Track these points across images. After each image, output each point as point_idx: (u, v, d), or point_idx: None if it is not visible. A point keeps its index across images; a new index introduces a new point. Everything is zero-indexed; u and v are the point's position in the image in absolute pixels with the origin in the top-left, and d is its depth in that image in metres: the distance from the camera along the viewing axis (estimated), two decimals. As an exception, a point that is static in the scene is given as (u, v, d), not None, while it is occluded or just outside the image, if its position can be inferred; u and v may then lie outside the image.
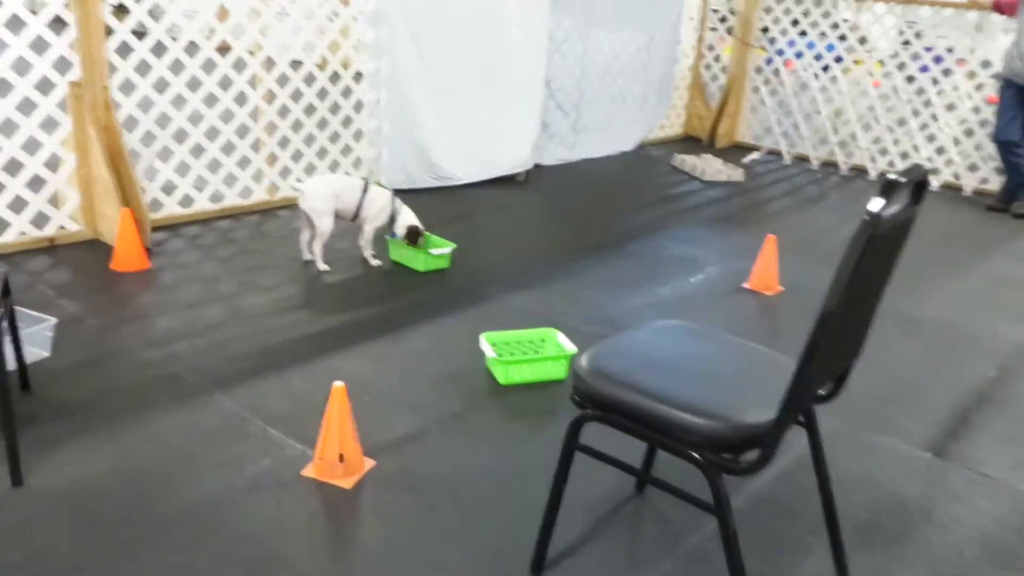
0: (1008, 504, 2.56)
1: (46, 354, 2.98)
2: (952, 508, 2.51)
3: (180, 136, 4.46)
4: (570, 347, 3.18)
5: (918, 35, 7.09)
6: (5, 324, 2.43)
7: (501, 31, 5.75)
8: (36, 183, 3.97)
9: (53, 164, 4.03)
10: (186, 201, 4.60)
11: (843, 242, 1.56)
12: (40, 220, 4.04)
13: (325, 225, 3.98)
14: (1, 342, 2.24)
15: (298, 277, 3.97)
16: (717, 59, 8.10)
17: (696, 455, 1.76)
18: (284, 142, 4.96)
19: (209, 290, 3.72)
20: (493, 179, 5.93)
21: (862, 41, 7.27)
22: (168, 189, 4.51)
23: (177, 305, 3.54)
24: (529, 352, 3.27)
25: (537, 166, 6.36)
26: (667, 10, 7.29)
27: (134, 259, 3.86)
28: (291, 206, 5.01)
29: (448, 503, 2.36)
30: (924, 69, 7.00)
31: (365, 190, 4.07)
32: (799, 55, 7.50)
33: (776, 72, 7.69)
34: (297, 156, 5.06)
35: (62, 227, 4.10)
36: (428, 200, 5.41)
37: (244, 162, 4.83)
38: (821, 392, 2.00)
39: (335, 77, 5.16)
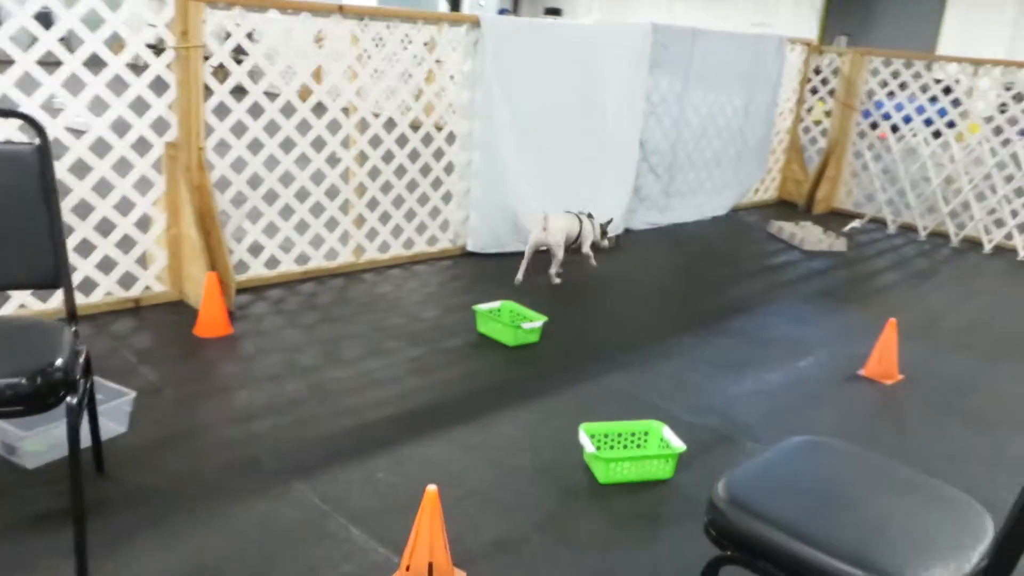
0: None
1: (123, 430, 2.85)
2: None
3: (270, 197, 4.39)
4: (677, 444, 2.88)
5: (1017, 98, 6.63)
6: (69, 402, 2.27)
7: (600, 93, 5.60)
8: (125, 243, 3.92)
9: (144, 224, 3.99)
10: (272, 263, 4.50)
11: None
12: (127, 280, 3.97)
13: (562, 252, 4.86)
14: (78, 426, 2.08)
15: (380, 349, 3.78)
16: (818, 122, 7.78)
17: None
18: (373, 204, 4.85)
19: (291, 361, 3.57)
20: (583, 244, 5.71)
21: (955, 103, 6.89)
22: (255, 250, 4.43)
23: (259, 377, 3.39)
24: (631, 446, 2.99)
25: (627, 230, 6.12)
26: (767, 71, 7.03)
27: (217, 325, 3.75)
28: (375, 269, 4.88)
29: (549, 633, 2.09)
30: (1023, 134, 6.56)
31: (581, 222, 4.98)
32: (908, 119, 7.11)
33: (883, 137, 7.33)
34: (385, 218, 4.95)
35: (148, 287, 4.03)
36: (515, 265, 5.20)
37: (332, 224, 4.72)
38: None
39: (428, 139, 5.05)
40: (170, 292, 4.09)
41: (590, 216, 5.13)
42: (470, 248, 5.31)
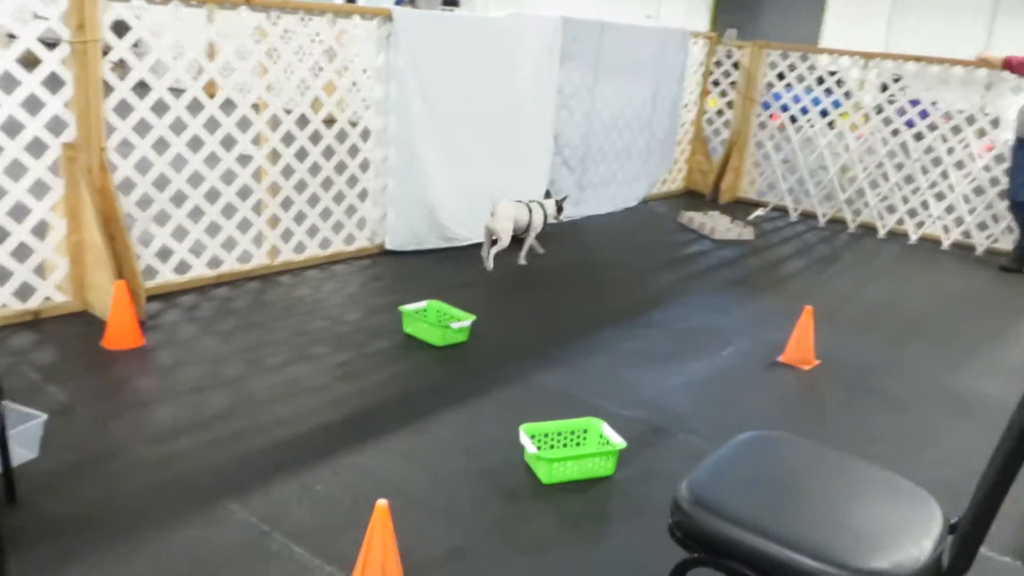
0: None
1: (34, 455, 2.65)
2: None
3: (178, 199, 4.17)
4: (617, 440, 2.90)
5: (903, 89, 6.99)
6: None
7: (513, 87, 5.57)
8: (21, 252, 3.65)
9: (41, 231, 3.72)
10: (182, 267, 4.28)
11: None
12: (24, 292, 3.70)
13: (508, 239, 4.93)
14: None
15: (305, 354, 3.65)
16: (720, 113, 7.99)
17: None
18: (287, 203, 4.68)
19: (212, 372, 3.40)
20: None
21: (847, 96, 7.24)
22: (164, 255, 4.20)
23: (178, 391, 3.22)
24: (570, 445, 2.99)
25: (544, 225, 6.13)
26: (672, 63, 7.16)
27: (128, 336, 3.53)
28: (292, 271, 4.72)
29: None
30: (910, 124, 6.92)
31: (531, 211, 5.11)
32: (804, 111, 7.39)
33: (782, 127, 7.58)
34: (300, 218, 4.78)
35: (48, 298, 3.77)
36: (435, 262, 5.16)
37: (244, 225, 4.53)
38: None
39: (342, 135, 4.91)
40: (73, 303, 3.84)
41: (548, 196, 5.42)
42: (388, 246, 5.20)
